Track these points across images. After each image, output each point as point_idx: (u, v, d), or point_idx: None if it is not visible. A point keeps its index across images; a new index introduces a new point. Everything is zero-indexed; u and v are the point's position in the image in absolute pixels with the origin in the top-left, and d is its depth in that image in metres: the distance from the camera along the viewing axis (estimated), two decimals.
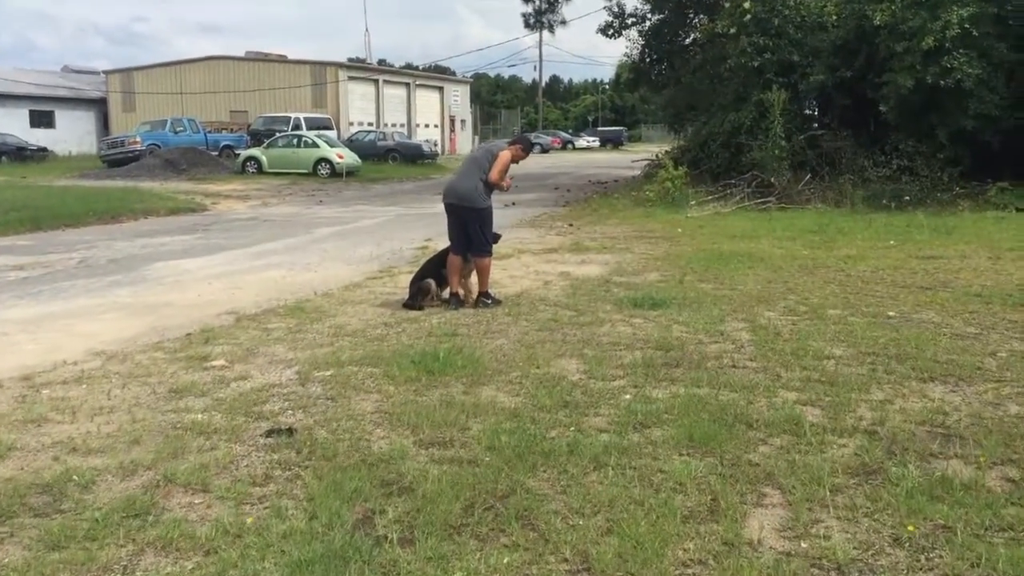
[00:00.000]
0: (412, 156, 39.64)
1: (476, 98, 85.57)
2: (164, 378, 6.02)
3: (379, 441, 4.75)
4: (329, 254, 12.60)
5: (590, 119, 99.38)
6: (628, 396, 5.50)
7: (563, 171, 36.91)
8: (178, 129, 36.66)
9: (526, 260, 11.69)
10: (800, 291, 9.06)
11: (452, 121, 61.13)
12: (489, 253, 8.36)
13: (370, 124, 49.08)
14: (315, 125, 39.64)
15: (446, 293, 8.50)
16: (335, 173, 32.08)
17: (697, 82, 23.14)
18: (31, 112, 46.53)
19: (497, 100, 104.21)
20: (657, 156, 22.41)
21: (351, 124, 47.05)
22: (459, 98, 62.42)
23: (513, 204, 20.65)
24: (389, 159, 39.00)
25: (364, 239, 14.38)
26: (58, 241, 14.70)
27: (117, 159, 34.01)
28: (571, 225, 15.93)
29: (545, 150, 65.01)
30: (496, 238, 8.74)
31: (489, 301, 8.37)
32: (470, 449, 4.60)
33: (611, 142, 76.60)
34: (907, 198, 16.88)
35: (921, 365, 6.12)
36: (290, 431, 4.85)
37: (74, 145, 45.98)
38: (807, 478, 4.16)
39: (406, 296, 8.60)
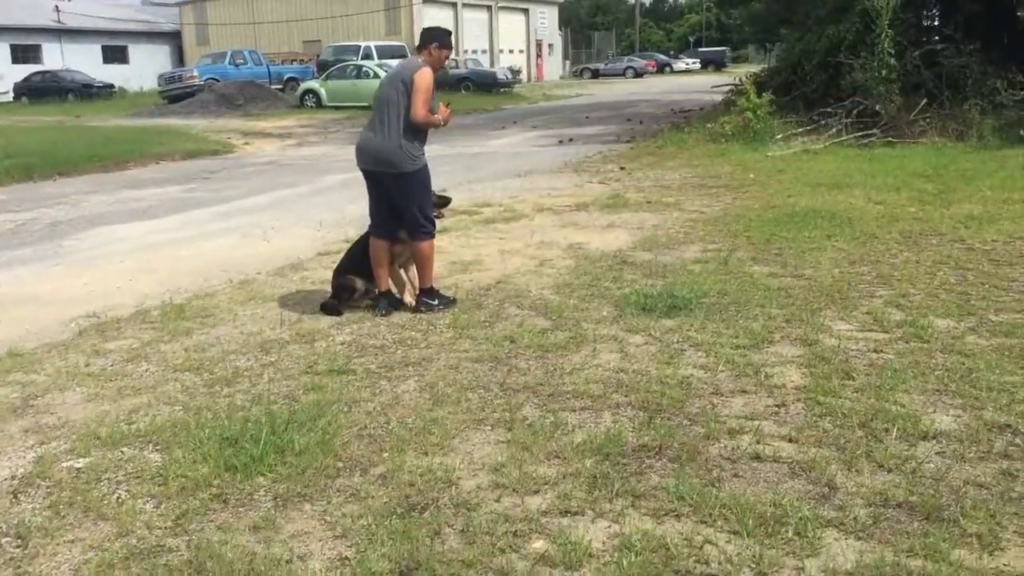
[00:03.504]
0: (487, 85, 36.81)
1: (575, 21, 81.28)
2: None
3: None
4: (309, 213, 10.29)
5: (691, 40, 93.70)
6: (538, 544, 3.02)
7: (647, 98, 33.54)
8: (238, 62, 34.78)
9: (541, 222, 9.12)
10: (896, 280, 6.27)
11: (539, 46, 57.74)
12: (430, 234, 5.84)
13: None
14: (388, 54, 37.08)
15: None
16: None
17: None
18: (104, 48, 45.55)
19: (597, 22, 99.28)
20: (740, 80, 19.13)
21: None
22: (546, 21, 58.81)
23: (570, 140, 17.93)
24: (462, 88, 36.32)
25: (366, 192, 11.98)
26: (32, 196, 12.84)
27: (176, 94, 32.44)
28: (623, 168, 13.17)
29: (639, 74, 61.11)
30: (444, 203, 6.26)
31: (435, 302, 5.90)
32: None
33: (713, 64, 71.54)
34: None
35: None
36: None
37: (148, 81, 44.75)
38: None
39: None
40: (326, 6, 44.83)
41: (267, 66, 35.84)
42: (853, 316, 5.48)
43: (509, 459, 3.65)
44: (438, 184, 11.78)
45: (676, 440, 3.79)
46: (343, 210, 10.51)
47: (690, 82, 48.59)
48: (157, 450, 3.83)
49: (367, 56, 35.91)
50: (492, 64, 46.96)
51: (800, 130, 15.22)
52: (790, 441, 3.77)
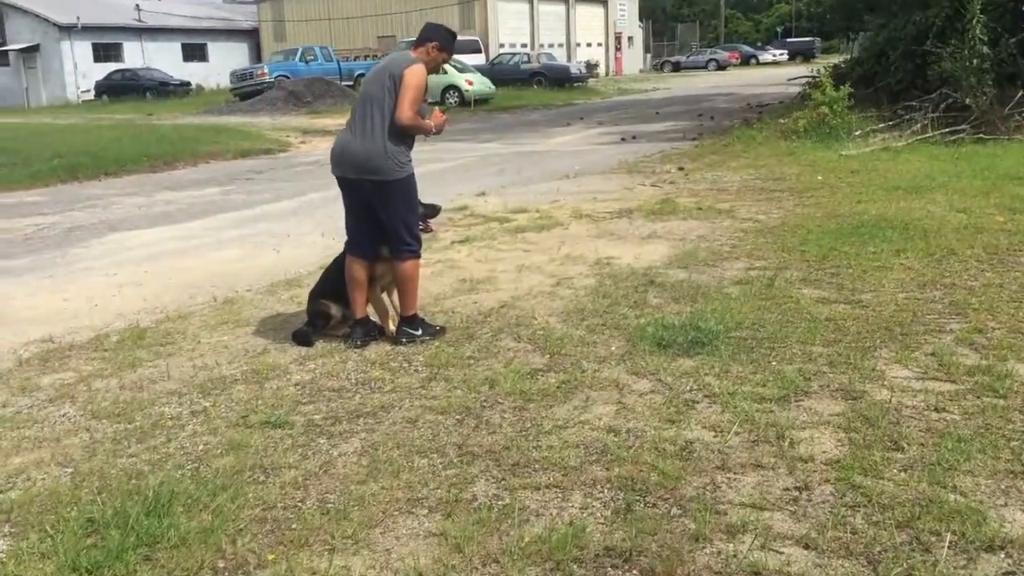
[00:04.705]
0: (559, 79, 35.94)
1: (659, 12, 79.44)
2: None
3: None
4: (330, 220, 9.58)
5: (779, 30, 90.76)
6: None
7: (725, 91, 32.17)
8: (309, 58, 34.62)
9: (575, 231, 8.27)
10: (973, 310, 5.22)
11: (618, 39, 56.44)
12: (415, 253, 5.05)
13: (524, 45, 45.56)
14: (461, 48, 36.54)
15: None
16: (465, 101, 29.11)
17: None
18: (183, 46, 46.15)
19: (683, 14, 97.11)
20: (818, 72, 17.80)
21: (501, 46, 43.71)
22: (626, 13, 57.45)
23: (633, 138, 16.94)
24: (534, 83, 35.52)
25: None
26: (69, 197, 12.53)
27: (246, 92, 32.46)
28: (681, 169, 12.18)
29: (722, 67, 59.28)
30: (433, 212, 5.47)
31: (418, 332, 5.10)
32: None
33: (801, 55, 68.72)
34: None
35: None
36: None
37: (226, 78, 45.04)
38: None
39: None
40: (401, 1, 44.47)
41: (337, 62, 35.61)
42: (914, 358, 4.49)
43: (433, 564, 2.84)
44: (473, 187, 11.14)
45: (655, 541, 2.92)
46: None
47: (775, 74, 46.68)
48: (12, 533, 3.13)
49: None
50: (569, 58, 45.99)
51: (880, 126, 13.95)
52: (806, 547, 2.86)
